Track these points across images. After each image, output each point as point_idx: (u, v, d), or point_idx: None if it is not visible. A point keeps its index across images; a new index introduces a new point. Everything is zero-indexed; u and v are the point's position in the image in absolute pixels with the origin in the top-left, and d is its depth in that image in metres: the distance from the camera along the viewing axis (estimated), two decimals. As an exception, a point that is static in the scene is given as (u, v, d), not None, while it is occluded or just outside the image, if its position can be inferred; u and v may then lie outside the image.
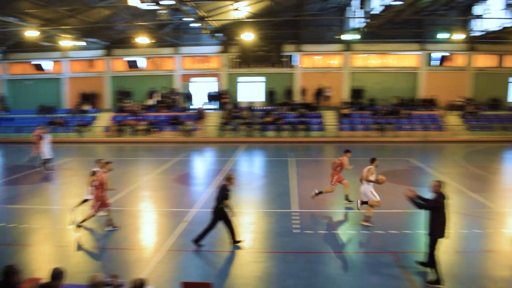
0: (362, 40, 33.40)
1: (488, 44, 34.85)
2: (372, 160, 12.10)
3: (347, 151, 13.76)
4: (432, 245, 8.66)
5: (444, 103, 34.29)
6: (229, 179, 10.25)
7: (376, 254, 9.98)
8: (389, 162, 21.54)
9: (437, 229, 8.48)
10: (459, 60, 35.52)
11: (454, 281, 8.83)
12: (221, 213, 10.11)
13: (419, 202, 8.51)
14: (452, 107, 33.75)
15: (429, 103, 34.00)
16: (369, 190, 11.91)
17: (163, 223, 12.32)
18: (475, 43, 34.61)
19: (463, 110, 33.56)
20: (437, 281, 8.63)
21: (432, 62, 35.41)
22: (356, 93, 34.29)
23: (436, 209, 8.36)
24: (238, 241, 10.52)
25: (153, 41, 32.22)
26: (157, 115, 33.00)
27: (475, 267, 9.46)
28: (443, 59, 35.45)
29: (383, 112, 32.75)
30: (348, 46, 34.32)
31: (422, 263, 9.32)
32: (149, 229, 11.90)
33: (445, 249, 10.54)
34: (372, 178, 11.75)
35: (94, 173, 11.62)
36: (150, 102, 34.13)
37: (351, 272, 9.23)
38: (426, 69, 34.85)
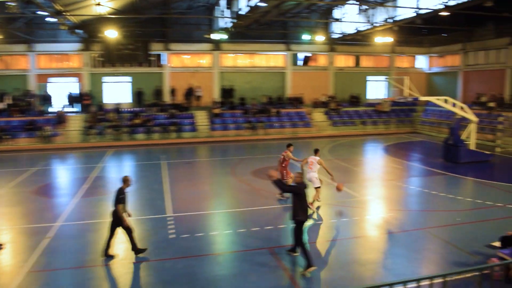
0: (231, 39, 34.07)
1: (346, 46, 38.43)
2: (316, 151, 14.24)
3: (289, 145, 14.99)
4: (297, 228, 9.48)
5: (310, 101, 36.81)
6: (125, 181, 9.95)
7: (254, 252, 10.34)
8: (261, 159, 22.63)
9: (299, 212, 9.36)
10: (322, 60, 38.48)
11: (327, 269, 9.57)
12: (117, 217, 9.79)
13: (283, 186, 9.39)
14: (317, 104, 36.39)
15: (296, 101, 36.13)
16: (314, 177, 13.65)
17: (22, 242, 11.17)
18: (335, 45, 37.83)
19: (327, 107, 36.45)
20: (309, 265, 9.38)
21: (298, 62, 37.81)
22: (227, 92, 34.86)
23: (298, 195, 9.31)
24: (141, 250, 10.18)
25: (0, 36, 28.76)
26: (9, 120, 29.54)
27: (345, 253, 10.39)
28: (307, 59, 38.07)
29: (253, 111, 33.74)
30: (217, 45, 34.74)
31: (291, 250, 10.09)
32: (5, 251, 10.58)
33: (318, 239, 11.31)
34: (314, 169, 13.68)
35: None
36: (0, 105, 30.39)
37: (231, 272, 9.41)
38: (292, 68, 36.99)
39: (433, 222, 12.71)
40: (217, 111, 32.94)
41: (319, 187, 13.82)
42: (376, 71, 39.83)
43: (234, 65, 35.92)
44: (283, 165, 14.72)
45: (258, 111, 33.90)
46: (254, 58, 36.40)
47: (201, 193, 15.66)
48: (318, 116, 35.69)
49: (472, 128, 22.46)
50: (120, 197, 9.71)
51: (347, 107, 37.74)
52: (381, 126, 35.86)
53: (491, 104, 31.30)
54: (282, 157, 14.80)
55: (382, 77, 38.48)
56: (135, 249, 10.10)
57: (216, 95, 34.84)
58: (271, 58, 36.87)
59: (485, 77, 34.37)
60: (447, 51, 38.56)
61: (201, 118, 32.65)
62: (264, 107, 34.37)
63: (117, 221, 9.81)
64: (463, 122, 25.94)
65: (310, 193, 13.68)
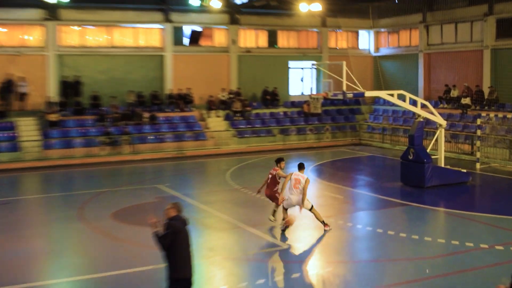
0: (75, 3, 33.11)
1: (255, 16, 38.92)
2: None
3: (280, 159, 17.34)
4: None
5: (203, 100, 36.69)
6: None
7: None
8: (131, 193, 22.37)
9: (177, 265, 9.52)
10: (219, 37, 38.60)
11: None
12: None
13: (160, 239, 9.45)
14: (213, 104, 36.34)
15: (182, 101, 35.87)
16: (301, 200, 15.98)
17: None
18: (239, 14, 38.18)
19: (228, 108, 36.52)
20: None
21: (183, 40, 37.53)
22: (70, 87, 33.80)
23: (173, 240, 9.48)
24: None
25: None
26: None
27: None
28: (196, 35, 37.94)
29: (114, 117, 33.04)
30: (52, 12, 33.60)
31: None
32: None
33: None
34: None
35: None
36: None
37: None
38: (174, 50, 36.66)
39: (391, 278, 12.77)
40: (53, 117, 31.74)
41: (312, 208, 16.22)
42: (301, 54, 40.81)
43: (82, 44, 34.97)
44: (275, 188, 16.85)
45: (121, 117, 33.18)
46: (113, 34, 35.73)
47: (29, 253, 14.97)
48: (216, 123, 35.58)
49: (440, 135, 23.49)
50: None
51: (259, 108, 38.08)
52: (310, 137, 36.58)
53: (466, 101, 33.34)
54: (271, 176, 16.99)
55: (310, 63, 39.53)
56: None
57: (52, 91, 33.60)
58: (140, 33, 36.45)
59: (456, 61, 36.66)
60: (401, 24, 40.64)
61: (28, 130, 31.30)
62: (132, 111, 33.75)
63: None
64: (428, 127, 27.11)
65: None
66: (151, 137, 32.69)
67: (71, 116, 33.00)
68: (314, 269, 13.62)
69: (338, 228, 16.98)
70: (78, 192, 23.06)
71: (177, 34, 37.31)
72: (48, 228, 17.97)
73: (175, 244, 9.55)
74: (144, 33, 36.64)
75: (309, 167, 27.90)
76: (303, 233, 16.60)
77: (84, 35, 35.20)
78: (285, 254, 14.71)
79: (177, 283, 9.61)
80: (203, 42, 38.34)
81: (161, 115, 34.80)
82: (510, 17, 33.01)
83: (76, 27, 34.96)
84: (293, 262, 14.22)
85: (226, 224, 17.09)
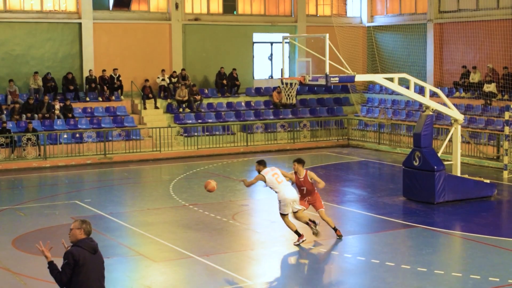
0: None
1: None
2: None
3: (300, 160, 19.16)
4: None
5: (136, 85, 36.65)
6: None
7: None
8: (38, 212, 22.24)
9: None
10: (157, 0, 38.75)
11: None
12: None
13: (52, 270, 9.59)
14: (149, 92, 36.35)
15: (108, 86, 35.82)
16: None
17: None
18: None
19: (171, 97, 36.54)
20: None
21: (107, 4, 37.51)
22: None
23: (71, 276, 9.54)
24: None
25: None
26: None
27: None
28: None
29: (13, 108, 33.01)
30: None
31: None
32: None
33: None
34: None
35: None
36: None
37: None
38: (95, 16, 36.49)
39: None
40: None
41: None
42: (269, 24, 41.01)
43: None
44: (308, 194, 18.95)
45: (23, 108, 33.09)
46: (11, -6, 35.43)
47: None
48: (154, 116, 35.72)
49: (456, 134, 23.88)
50: None
51: (212, 97, 38.34)
52: (282, 135, 36.85)
53: (490, 88, 33.97)
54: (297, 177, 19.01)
55: (281, 36, 39.83)
56: None
57: None
58: (49, -7, 36.16)
59: (478, 35, 37.04)
60: (404, -16, 41.17)
61: None
62: (37, 100, 33.65)
63: None
64: (439, 123, 27.52)
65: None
66: (65, 136, 32.52)
67: (-47, 107, 32.62)
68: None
69: (320, 257, 17.17)
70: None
71: (100, -5, 37.19)
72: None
73: (77, 279, 9.58)
74: (54, -6, 36.39)
75: (281, 177, 28.05)
76: (271, 265, 16.77)
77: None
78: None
79: None
80: (134, 6, 38.23)
81: (78, 106, 34.67)
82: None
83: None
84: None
85: (170, 254, 17.15)
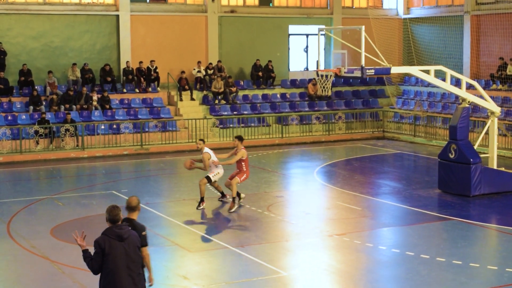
0: None
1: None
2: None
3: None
4: None
5: (172, 77, 36.82)
6: (132, 207, 11.20)
7: None
8: (76, 202, 22.46)
9: None
10: (193, -9, 38.76)
11: None
12: None
13: (85, 259, 10.02)
14: (185, 84, 36.45)
15: (145, 78, 35.99)
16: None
17: None
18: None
19: (206, 89, 36.62)
20: None
21: (144, -5, 37.78)
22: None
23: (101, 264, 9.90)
24: None
25: None
26: None
27: None
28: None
29: (52, 100, 33.22)
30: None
31: None
32: None
33: None
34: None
35: None
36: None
37: None
38: (132, 8, 36.68)
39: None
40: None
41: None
42: (305, 16, 40.98)
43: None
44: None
45: (62, 100, 33.29)
46: (49, -14, 35.68)
47: None
48: (190, 108, 35.79)
49: (493, 127, 23.72)
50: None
51: (248, 89, 38.38)
52: (317, 127, 36.83)
53: (527, 81, 33.69)
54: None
55: (316, 28, 39.78)
56: None
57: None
58: (87, -15, 36.40)
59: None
60: (440, -24, 40.93)
61: None
62: (76, 91, 33.86)
63: None
64: (476, 115, 27.35)
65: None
66: (103, 127, 32.71)
67: (-7, 98, 33.00)
68: (323, 304, 13.77)
69: (354, 249, 17.19)
70: (5, 200, 22.88)
71: (137, -13, 37.38)
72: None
73: (106, 266, 9.88)
74: (92, -14, 36.59)
75: (316, 168, 28.10)
76: (305, 257, 16.81)
77: (10, -13, 35.13)
78: (285, 284, 14.90)
79: None
80: (171, -2, 38.41)
81: (115, 97, 34.87)
82: None
83: (-1, -23, 34.84)
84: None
85: (205, 244, 17.25)
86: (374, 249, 17.27)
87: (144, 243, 10.80)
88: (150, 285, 11.12)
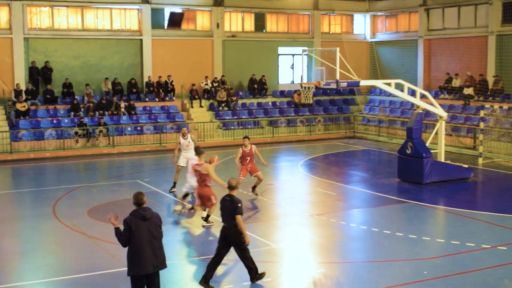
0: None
1: (240, -3, 39.13)
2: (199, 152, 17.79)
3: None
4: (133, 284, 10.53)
5: (185, 88, 36.81)
6: (233, 186, 12.75)
7: None
8: (108, 189, 22.69)
9: (129, 264, 10.34)
10: (202, 20, 38.67)
11: None
12: (231, 234, 12.53)
13: (116, 235, 10.34)
14: (196, 93, 36.42)
15: (162, 89, 35.99)
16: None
17: None
18: (223, -5, 38.41)
19: (213, 98, 36.68)
20: None
21: (163, 23, 37.62)
22: (39, 74, 33.72)
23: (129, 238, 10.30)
24: (260, 275, 12.79)
25: None
26: None
27: None
28: (177, 18, 37.93)
29: (88, 107, 33.19)
30: (20, -9, 33.43)
31: None
32: None
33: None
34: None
35: None
36: None
37: None
38: (153, 34, 36.60)
39: (387, 279, 13.02)
40: (22, 107, 31.67)
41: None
42: (291, 39, 41.01)
43: (52, 26, 34.82)
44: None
45: (96, 107, 33.31)
46: (86, 15, 35.62)
47: (0, 253, 15.03)
48: (199, 113, 35.75)
49: (441, 128, 23.81)
50: (237, 206, 12.40)
51: (246, 98, 38.33)
52: (301, 129, 36.85)
53: (468, 91, 33.73)
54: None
55: (301, 49, 39.84)
56: (254, 275, 12.77)
57: (20, 78, 33.47)
58: (116, 15, 36.42)
59: (458, 48, 36.93)
60: (400, 7, 40.92)
61: (-7, 120, 31.17)
62: (107, 100, 33.90)
63: (231, 241, 12.58)
64: (427, 119, 27.39)
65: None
66: (129, 129, 32.75)
67: (42, 106, 32.92)
68: (305, 270, 13.85)
69: (330, 226, 17.26)
70: (51, 188, 23.06)
71: (157, 16, 37.32)
72: (20, 226, 18.06)
73: (133, 241, 10.21)
74: (120, 15, 36.56)
75: (300, 162, 28.16)
76: (291, 232, 16.87)
77: (54, 16, 34.97)
78: (274, 254, 14.99)
79: (131, 280, 10.37)
80: (184, 25, 38.37)
81: (139, 105, 34.89)
82: (517, 0, 33.32)
83: (45, 8, 34.74)
84: (283, 262, 14.47)
85: (216, 222, 17.23)
86: (346, 226, 17.34)
87: (239, 212, 12.31)
88: (247, 245, 12.57)
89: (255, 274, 12.69)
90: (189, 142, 21.70)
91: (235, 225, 12.34)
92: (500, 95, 32.60)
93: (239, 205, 12.40)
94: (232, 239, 12.48)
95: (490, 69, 34.55)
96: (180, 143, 21.87)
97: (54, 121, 32.14)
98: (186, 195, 19.05)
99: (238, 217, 12.26)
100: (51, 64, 34.05)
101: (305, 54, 25.77)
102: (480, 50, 35.19)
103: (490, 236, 16.09)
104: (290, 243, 15.83)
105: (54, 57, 34.48)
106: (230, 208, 12.39)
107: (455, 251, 14.77)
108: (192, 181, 18.20)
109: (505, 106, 28.67)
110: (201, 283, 12.44)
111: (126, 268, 10.39)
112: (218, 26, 38.42)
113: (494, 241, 15.57)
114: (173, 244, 15.12)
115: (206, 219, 16.98)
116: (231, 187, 12.70)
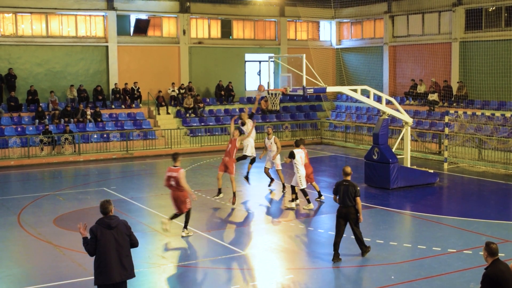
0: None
1: (208, 4, 39.00)
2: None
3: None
4: None
5: (151, 95, 36.70)
6: (348, 173, 14.77)
7: None
8: (74, 197, 22.47)
9: (96, 273, 10.19)
10: (168, 27, 38.67)
11: None
12: (350, 213, 14.64)
13: (83, 244, 10.25)
14: (162, 100, 36.36)
15: (128, 96, 35.86)
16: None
17: None
18: (190, 1, 38.25)
19: (180, 105, 36.61)
20: None
21: (129, 30, 37.48)
22: (3, 81, 33.32)
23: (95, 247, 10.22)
24: (367, 248, 14.89)
25: None
26: None
27: None
28: (143, 25, 37.84)
29: (54, 114, 32.94)
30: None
31: None
32: None
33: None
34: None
35: None
36: None
37: None
38: (119, 40, 36.51)
39: (355, 284, 13.17)
40: (-15, 114, 31.29)
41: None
42: (258, 46, 41.15)
43: (15, 33, 34.53)
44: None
45: (62, 114, 33.03)
46: (51, 22, 35.43)
47: None
48: (166, 120, 35.69)
49: (406, 134, 24.08)
50: (356, 189, 14.52)
51: (213, 104, 38.37)
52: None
53: (433, 97, 34.16)
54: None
55: (267, 56, 40.01)
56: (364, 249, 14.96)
57: (-17, 86, 33.06)
58: (81, 21, 36.25)
59: (423, 55, 37.42)
60: (365, 14, 41.27)
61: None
62: (73, 107, 33.65)
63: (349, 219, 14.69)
64: (393, 125, 27.66)
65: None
66: (95, 136, 32.52)
67: (6, 113, 32.56)
68: (273, 276, 13.86)
69: (298, 232, 17.32)
70: (15, 196, 22.90)
71: (122, 23, 37.24)
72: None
73: (99, 250, 10.15)
74: (86, 22, 36.38)
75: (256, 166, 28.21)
76: (259, 239, 16.89)
77: (17, 22, 34.73)
78: (243, 261, 15.00)
79: None
80: (150, 32, 38.30)
81: (105, 112, 34.71)
82: (480, 7, 33.84)
83: (9, 14, 34.48)
84: (251, 269, 14.48)
85: (179, 230, 17.17)
86: (314, 232, 17.45)
87: (359, 194, 14.52)
88: (360, 221, 14.80)
89: (364, 247, 14.86)
90: (271, 143, 23.57)
91: (354, 205, 14.45)
92: (464, 101, 33.02)
93: (358, 188, 14.59)
94: (351, 217, 14.56)
95: (454, 75, 34.99)
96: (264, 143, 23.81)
97: (19, 129, 31.77)
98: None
99: (358, 198, 14.51)
100: (15, 71, 33.73)
101: (271, 61, 25.88)
102: (444, 56, 35.65)
103: (456, 240, 16.29)
104: (258, 250, 15.82)
105: (18, 64, 34.18)
106: (352, 191, 14.40)
107: (422, 256, 14.94)
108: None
109: (469, 112, 28.97)
110: (334, 259, 14.53)
111: (93, 277, 10.29)
112: (184, 32, 38.40)
113: (460, 245, 15.78)
114: (141, 252, 15.03)
115: (185, 226, 16.91)
116: (346, 174, 14.74)
